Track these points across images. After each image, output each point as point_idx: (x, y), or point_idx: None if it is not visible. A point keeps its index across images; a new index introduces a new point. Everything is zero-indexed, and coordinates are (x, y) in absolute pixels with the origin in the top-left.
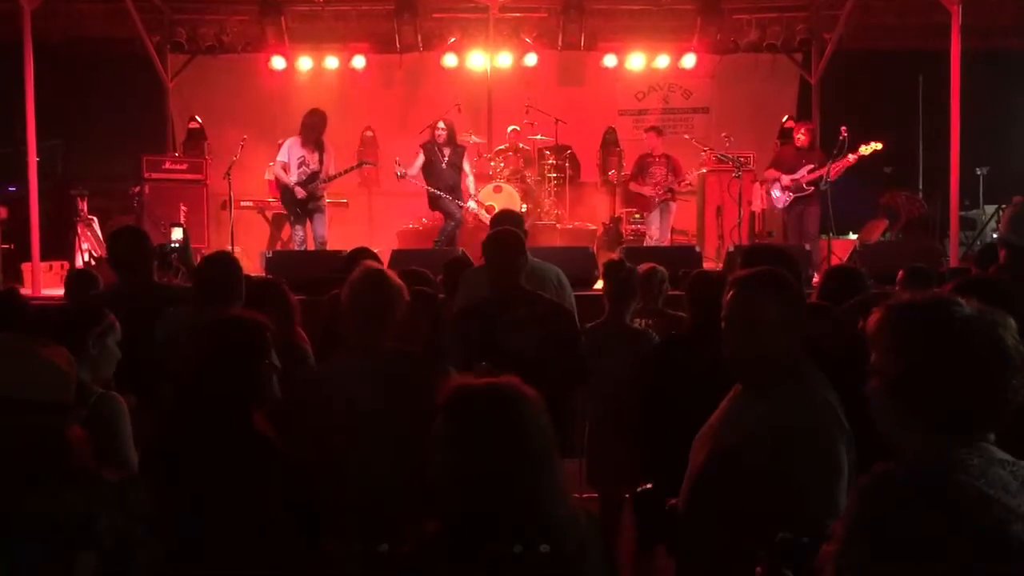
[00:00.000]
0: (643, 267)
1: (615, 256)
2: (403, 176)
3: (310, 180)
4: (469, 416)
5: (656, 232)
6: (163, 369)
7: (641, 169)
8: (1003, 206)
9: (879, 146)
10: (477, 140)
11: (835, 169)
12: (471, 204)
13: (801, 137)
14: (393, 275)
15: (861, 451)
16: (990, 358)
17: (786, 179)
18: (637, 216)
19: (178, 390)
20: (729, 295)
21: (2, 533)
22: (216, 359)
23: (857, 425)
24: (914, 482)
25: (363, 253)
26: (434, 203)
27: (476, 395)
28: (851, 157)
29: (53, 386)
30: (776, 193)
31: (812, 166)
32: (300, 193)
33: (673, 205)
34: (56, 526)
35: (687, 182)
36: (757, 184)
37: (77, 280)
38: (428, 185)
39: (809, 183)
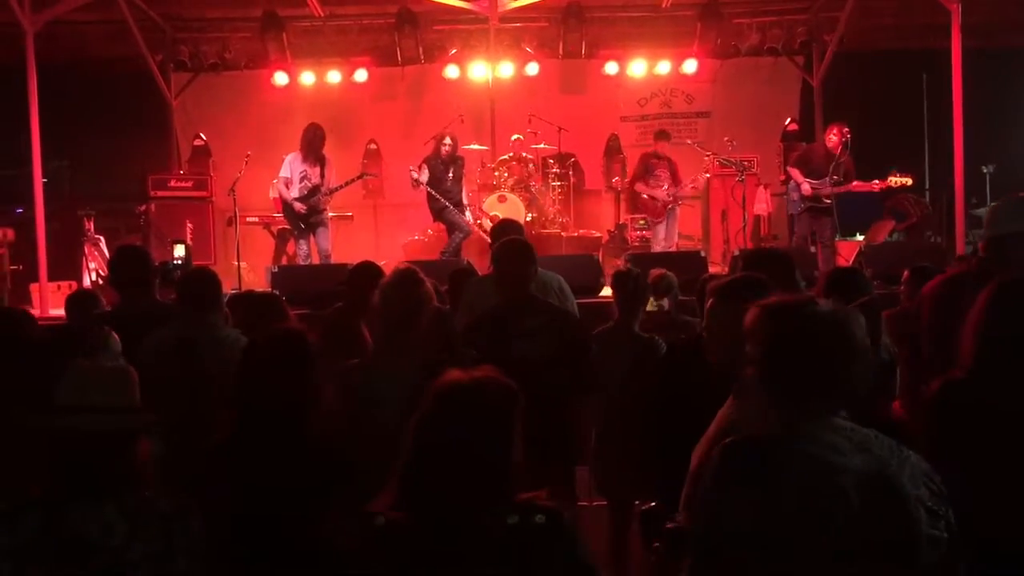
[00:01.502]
0: (653, 273)
1: (619, 263)
2: (418, 185)
3: (311, 194)
4: (452, 402)
5: (666, 237)
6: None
7: (647, 169)
8: None
9: (908, 181)
10: (480, 148)
11: (857, 187)
12: (467, 215)
13: (833, 138)
14: (424, 278)
15: None
16: (835, 351)
17: (806, 187)
18: (642, 222)
19: (238, 401)
20: (708, 304)
21: (37, 544)
22: (276, 368)
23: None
24: (759, 447)
25: (367, 267)
26: (440, 215)
27: (462, 383)
28: (876, 184)
29: (123, 393)
30: (793, 195)
31: (837, 178)
32: (299, 208)
33: (678, 210)
34: (90, 545)
35: (692, 185)
36: (761, 188)
37: (77, 301)
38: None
39: (828, 197)
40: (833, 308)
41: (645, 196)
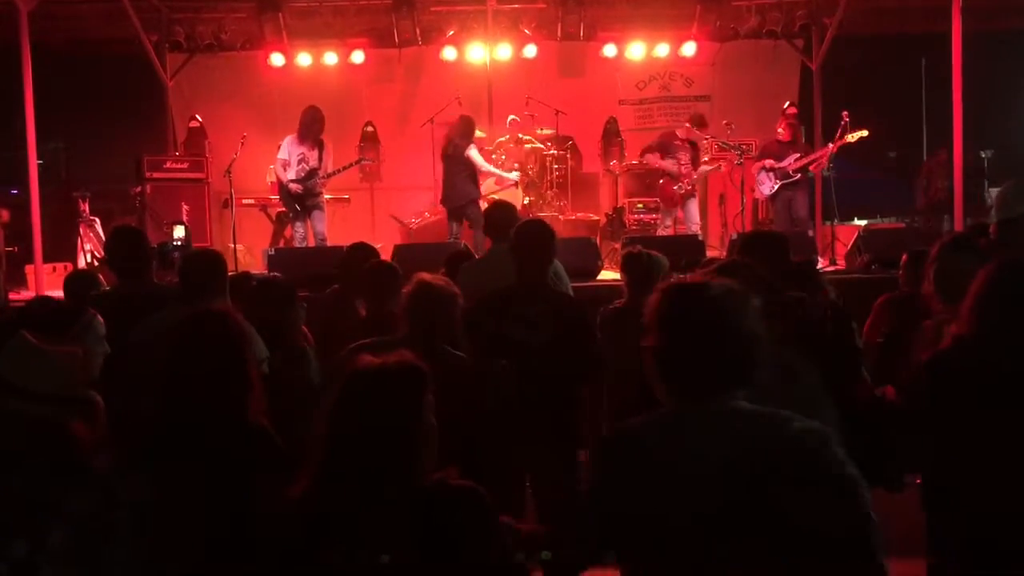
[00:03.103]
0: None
1: (617, 246)
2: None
3: (309, 177)
4: (357, 387)
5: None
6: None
7: (665, 148)
8: None
9: (864, 133)
10: (480, 135)
11: (820, 157)
12: None
13: (781, 131)
14: (445, 282)
15: None
16: (726, 334)
17: (770, 162)
18: (640, 206)
19: (162, 393)
20: None
21: None
22: (193, 357)
23: None
24: (632, 435)
25: (362, 248)
26: (475, 206)
27: (367, 368)
28: (832, 146)
29: (59, 381)
30: (762, 179)
31: (798, 155)
32: (295, 189)
33: (696, 195)
34: (26, 503)
35: (711, 169)
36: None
37: (76, 281)
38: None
39: (796, 170)
40: (729, 289)
41: (660, 167)
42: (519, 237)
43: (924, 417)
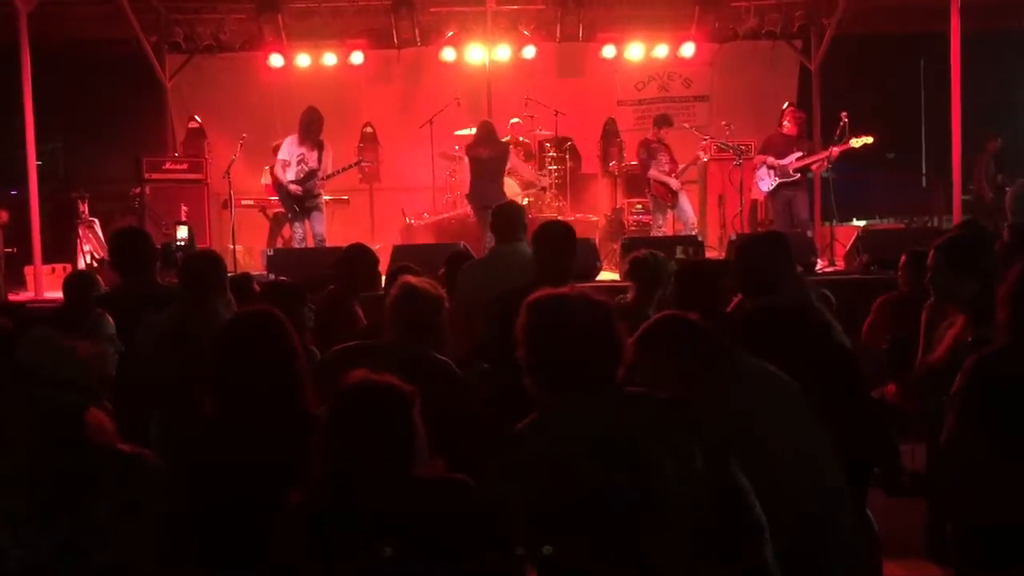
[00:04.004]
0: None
1: (616, 247)
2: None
3: (308, 178)
4: (346, 405)
5: (682, 220)
6: (150, 371)
7: (650, 155)
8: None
9: (870, 140)
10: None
11: (822, 159)
12: None
13: (787, 124)
14: (432, 286)
15: None
16: (584, 339)
17: (772, 160)
18: (639, 207)
19: (218, 388)
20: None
21: (16, 485)
22: (253, 352)
23: None
24: (516, 434)
25: (359, 248)
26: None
27: (354, 389)
28: (835, 150)
29: (72, 370)
30: (761, 175)
31: (801, 153)
32: (295, 190)
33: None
34: (69, 483)
35: (691, 164)
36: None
37: (76, 283)
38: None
39: (796, 170)
40: (582, 299)
41: (660, 182)
42: (541, 238)
43: (961, 419)
